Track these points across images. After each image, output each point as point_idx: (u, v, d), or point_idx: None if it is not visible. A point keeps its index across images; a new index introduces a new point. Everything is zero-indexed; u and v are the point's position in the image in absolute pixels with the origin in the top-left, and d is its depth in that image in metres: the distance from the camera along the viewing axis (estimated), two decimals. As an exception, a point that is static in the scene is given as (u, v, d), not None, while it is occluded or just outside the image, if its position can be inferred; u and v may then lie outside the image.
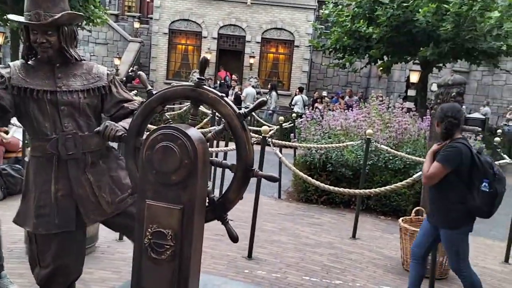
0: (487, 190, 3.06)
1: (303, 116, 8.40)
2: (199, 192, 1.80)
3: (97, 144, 2.28)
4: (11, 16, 2.40)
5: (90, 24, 12.21)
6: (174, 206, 1.77)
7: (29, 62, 2.24)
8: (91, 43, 20.12)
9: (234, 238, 1.96)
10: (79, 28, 10.55)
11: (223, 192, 1.99)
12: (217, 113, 3.89)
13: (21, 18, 2.18)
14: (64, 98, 2.19)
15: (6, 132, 6.18)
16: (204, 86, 1.91)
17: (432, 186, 3.29)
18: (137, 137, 2.00)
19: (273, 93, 16.44)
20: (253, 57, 19.00)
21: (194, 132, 1.83)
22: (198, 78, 1.92)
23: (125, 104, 2.34)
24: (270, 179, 1.90)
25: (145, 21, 22.56)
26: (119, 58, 18.53)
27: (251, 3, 18.50)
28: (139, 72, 2.20)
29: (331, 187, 5.09)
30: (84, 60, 2.35)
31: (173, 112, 11.25)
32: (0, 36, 10.80)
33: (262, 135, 4.70)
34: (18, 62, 2.25)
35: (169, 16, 18.93)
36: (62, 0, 2.19)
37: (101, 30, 19.30)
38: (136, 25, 21.07)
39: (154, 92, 1.97)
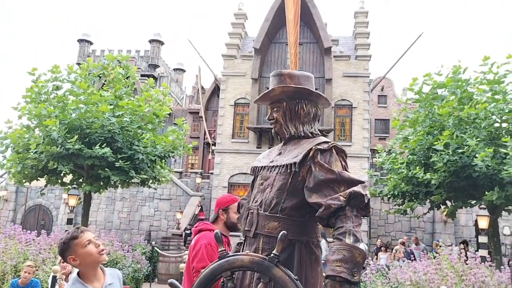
0: None
1: (367, 267, 7.95)
2: None
3: None
4: None
5: (156, 182, 12.97)
6: None
7: None
8: (156, 199, 21.28)
9: None
10: (145, 187, 11.14)
11: None
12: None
13: None
14: None
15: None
16: (278, 264, 1.76)
17: None
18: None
19: (323, 241, 15.92)
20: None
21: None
22: (273, 254, 1.79)
23: None
24: None
25: (207, 176, 23.91)
26: (181, 212, 19.25)
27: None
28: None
29: None
30: None
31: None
32: (74, 198, 11.72)
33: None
34: None
35: (229, 171, 19.98)
36: None
37: (165, 186, 20.58)
38: (198, 180, 22.32)
39: (226, 256, 1.85)
